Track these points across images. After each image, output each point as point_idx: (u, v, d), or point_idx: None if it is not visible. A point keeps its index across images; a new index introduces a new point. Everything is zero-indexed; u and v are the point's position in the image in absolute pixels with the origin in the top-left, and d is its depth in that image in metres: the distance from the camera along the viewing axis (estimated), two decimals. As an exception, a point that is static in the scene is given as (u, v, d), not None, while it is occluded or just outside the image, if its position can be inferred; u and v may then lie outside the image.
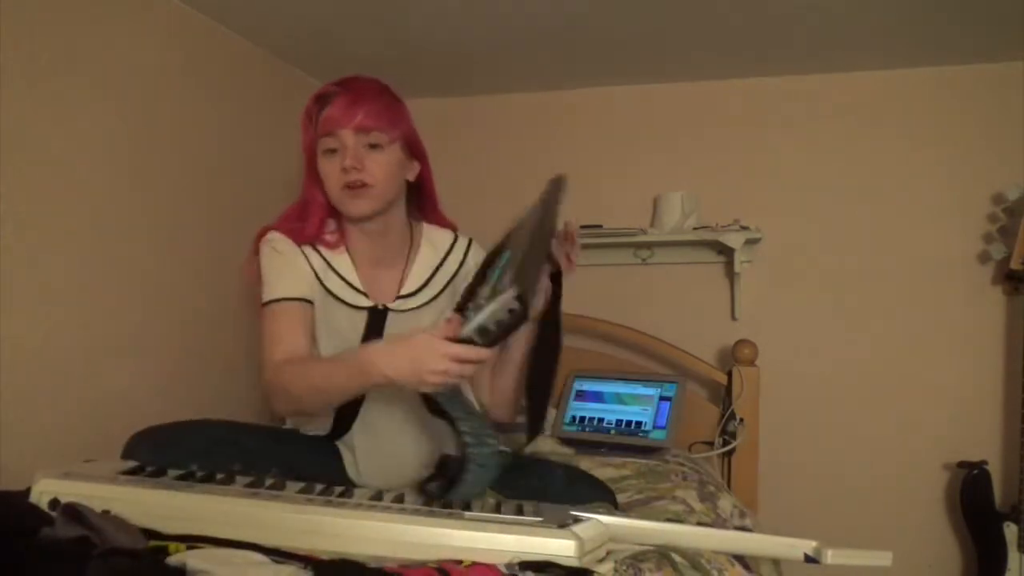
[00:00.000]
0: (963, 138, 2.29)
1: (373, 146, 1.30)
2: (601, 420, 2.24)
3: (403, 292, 1.42)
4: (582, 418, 2.26)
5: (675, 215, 2.37)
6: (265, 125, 2.25)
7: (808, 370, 2.39)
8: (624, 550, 1.04)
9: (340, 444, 1.46)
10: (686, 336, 2.41)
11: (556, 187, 1.29)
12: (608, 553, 1.01)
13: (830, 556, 1.02)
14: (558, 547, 0.91)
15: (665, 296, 2.51)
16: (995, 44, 2.14)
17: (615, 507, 1.30)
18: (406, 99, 1.48)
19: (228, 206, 2.09)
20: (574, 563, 0.90)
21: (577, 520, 0.99)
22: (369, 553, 0.91)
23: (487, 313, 1.04)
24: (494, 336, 1.05)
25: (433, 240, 1.48)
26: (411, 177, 1.42)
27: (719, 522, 1.63)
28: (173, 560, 0.82)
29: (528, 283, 1.05)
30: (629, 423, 2.20)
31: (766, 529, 1.18)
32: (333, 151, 1.31)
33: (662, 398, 2.22)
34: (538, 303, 1.28)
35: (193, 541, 0.88)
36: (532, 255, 1.13)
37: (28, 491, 1.01)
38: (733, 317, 2.44)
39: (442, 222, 1.52)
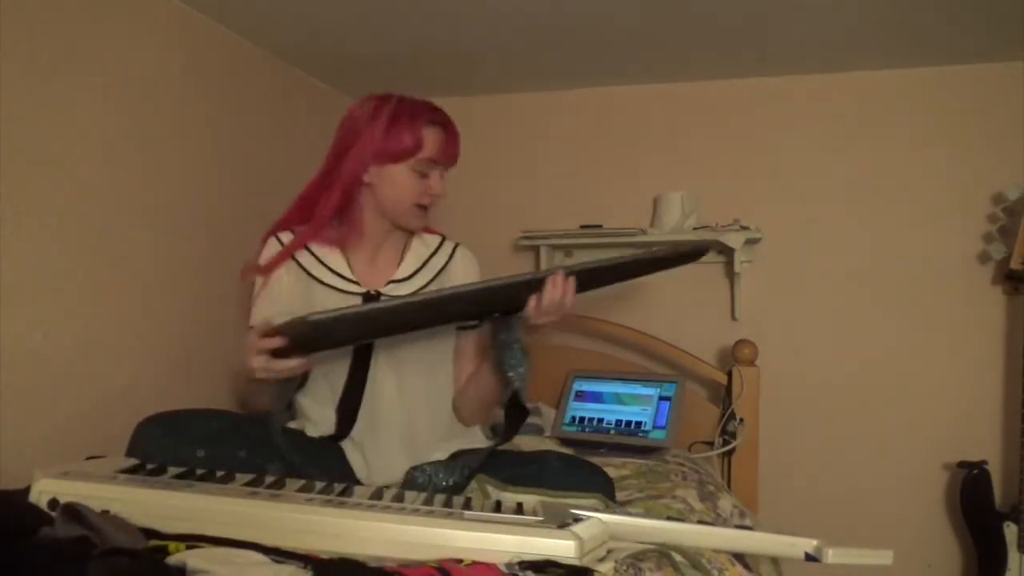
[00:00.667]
0: (963, 138, 2.29)
1: (442, 176, 1.48)
2: (601, 420, 2.24)
3: (395, 277, 1.49)
4: (582, 418, 2.26)
5: (675, 215, 2.37)
6: (265, 125, 2.25)
7: (808, 370, 2.39)
8: (624, 549, 1.04)
9: (347, 445, 1.46)
10: (686, 336, 2.41)
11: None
12: (608, 552, 1.01)
13: (831, 555, 1.02)
14: (558, 547, 0.91)
15: (665, 296, 2.51)
16: (995, 44, 2.14)
17: (611, 495, 1.31)
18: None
19: (228, 206, 2.09)
20: (574, 563, 0.90)
21: (577, 519, 0.99)
22: (369, 553, 0.91)
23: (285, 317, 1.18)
24: (292, 338, 1.17)
25: (424, 240, 1.58)
26: None
27: (719, 522, 1.63)
28: (173, 560, 0.82)
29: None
30: (629, 423, 2.20)
31: (766, 529, 1.18)
32: (424, 175, 1.43)
33: (662, 398, 2.22)
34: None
35: (193, 541, 0.88)
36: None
37: (28, 491, 1.01)
38: (733, 317, 2.44)
39: (432, 229, 1.61)
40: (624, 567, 0.98)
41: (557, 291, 1.27)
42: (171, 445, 1.21)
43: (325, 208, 1.45)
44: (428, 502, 1.07)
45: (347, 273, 1.48)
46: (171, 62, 1.87)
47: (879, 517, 2.32)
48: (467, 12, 1.95)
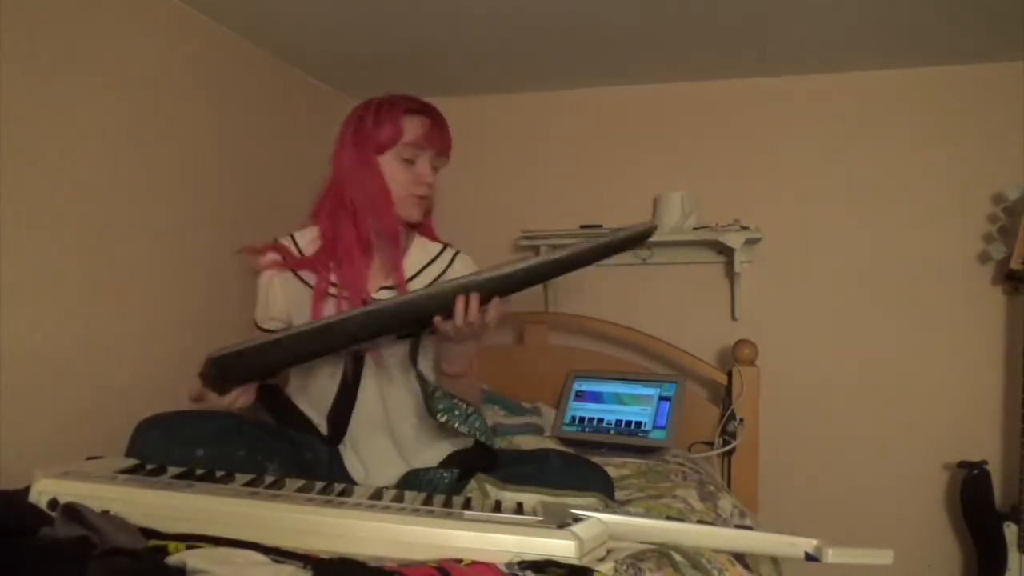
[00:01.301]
0: (963, 138, 2.29)
1: (435, 168, 1.48)
2: (601, 420, 2.24)
3: (387, 284, 1.47)
4: (582, 418, 2.26)
5: (675, 215, 2.37)
6: (265, 125, 2.25)
7: (808, 370, 2.39)
8: (624, 549, 1.04)
9: (344, 448, 1.47)
10: (686, 336, 2.41)
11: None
12: (608, 552, 1.01)
13: (831, 555, 1.02)
14: (558, 547, 0.91)
15: (665, 296, 2.51)
16: (995, 44, 2.14)
17: (611, 494, 1.30)
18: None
19: (228, 205, 2.09)
20: (574, 563, 0.90)
21: (577, 519, 0.99)
22: (369, 553, 0.91)
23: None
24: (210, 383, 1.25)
25: (424, 246, 1.56)
26: None
27: (719, 522, 1.63)
28: (173, 560, 0.82)
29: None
30: (629, 423, 2.20)
31: (766, 529, 1.18)
32: (411, 162, 1.44)
33: (662, 398, 2.21)
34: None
35: (193, 541, 0.88)
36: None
37: (28, 491, 1.01)
38: (733, 317, 2.44)
39: (434, 235, 1.60)
40: (624, 567, 0.98)
41: (460, 318, 1.23)
42: (170, 445, 1.21)
43: (318, 219, 1.47)
44: (428, 502, 1.07)
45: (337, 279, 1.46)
46: (171, 62, 1.87)
47: (879, 517, 2.32)
48: (467, 12, 1.95)
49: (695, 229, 2.34)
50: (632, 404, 2.23)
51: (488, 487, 1.24)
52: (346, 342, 1.28)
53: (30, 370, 1.50)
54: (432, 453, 1.45)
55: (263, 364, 1.27)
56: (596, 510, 1.09)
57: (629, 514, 1.18)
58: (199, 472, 1.13)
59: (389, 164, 1.43)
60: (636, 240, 1.28)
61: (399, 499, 1.06)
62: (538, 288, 2.58)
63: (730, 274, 2.41)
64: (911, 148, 2.34)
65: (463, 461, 1.38)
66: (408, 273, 1.50)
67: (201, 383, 1.26)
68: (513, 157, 2.65)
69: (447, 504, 1.07)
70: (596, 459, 1.71)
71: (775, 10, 1.92)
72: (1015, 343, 2.22)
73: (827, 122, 2.40)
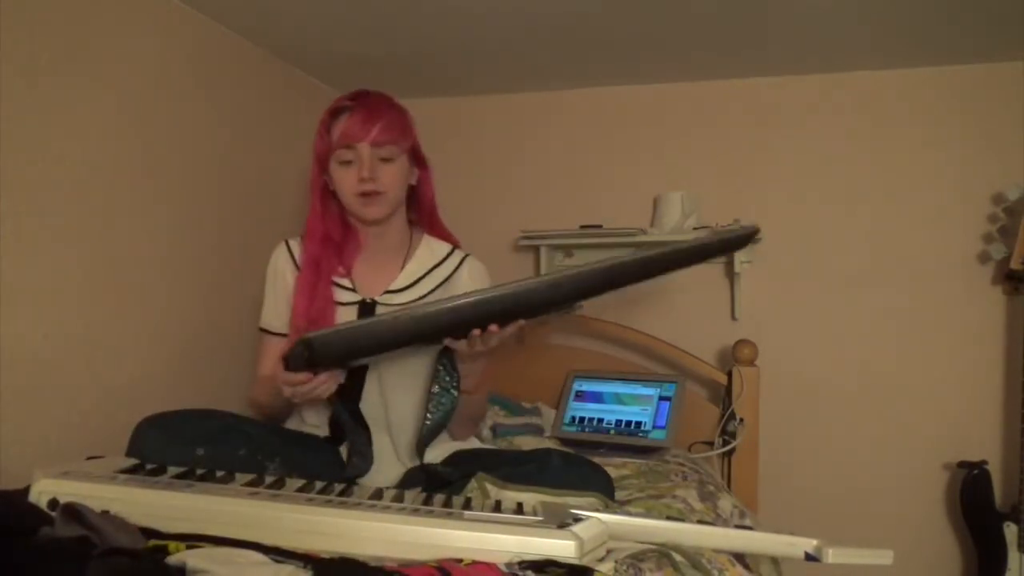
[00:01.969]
0: (963, 138, 2.29)
1: (385, 159, 1.41)
2: (601, 420, 2.24)
3: (391, 287, 1.47)
4: (581, 419, 2.26)
5: (675, 215, 2.37)
6: (265, 125, 2.25)
7: (808, 370, 2.39)
8: (624, 549, 1.04)
9: (344, 449, 1.46)
10: (686, 336, 2.41)
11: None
12: (608, 552, 1.01)
13: (831, 555, 1.02)
14: (558, 547, 0.91)
15: (665, 296, 2.51)
16: (995, 44, 2.14)
17: (611, 493, 1.30)
18: (406, 99, 1.51)
19: (228, 205, 2.09)
20: (574, 562, 0.90)
21: (577, 519, 0.99)
22: (369, 553, 0.91)
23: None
24: (294, 365, 1.21)
25: (432, 247, 1.54)
26: (413, 182, 1.51)
27: (719, 522, 1.63)
28: (173, 560, 0.82)
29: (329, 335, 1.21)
30: (629, 423, 2.20)
31: (766, 529, 1.18)
32: (349, 162, 1.40)
33: (662, 398, 2.21)
34: None
35: (193, 541, 0.88)
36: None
37: (28, 491, 1.01)
38: (733, 317, 2.44)
39: (444, 234, 1.58)
40: (624, 567, 0.98)
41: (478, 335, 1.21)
42: (170, 445, 1.21)
43: (310, 220, 1.49)
44: (428, 502, 1.06)
45: (345, 280, 1.47)
46: (171, 62, 1.87)
47: (879, 517, 2.32)
48: (467, 12, 1.95)
49: (695, 229, 2.34)
50: (632, 404, 2.24)
51: (488, 486, 1.24)
52: (439, 335, 1.22)
53: (30, 370, 1.50)
54: (433, 453, 1.45)
55: (356, 349, 1.22)
56: (596, 510, 1.09)
57: (629, 514, 1.18)
58: (199, 472, 1.13)
59: (334, 173, 1.42)
60: (739, 243, 1.23)
61: (399, 499, 1.06)
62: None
63: (730, 274, 2.41)
64: (911, 148, 2.34)
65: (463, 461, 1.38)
66: (414, 276, 1.49)
67: (284, 366, 1.22)
68: (513, 157, 2.64)
69: (447, 504, 1.07)
70: (596, 459, 1.71)
71: (775, 10, 1.92)
72: (1015, 343, 2.22)
73: (827, 122, 2.40)
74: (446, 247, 1.54)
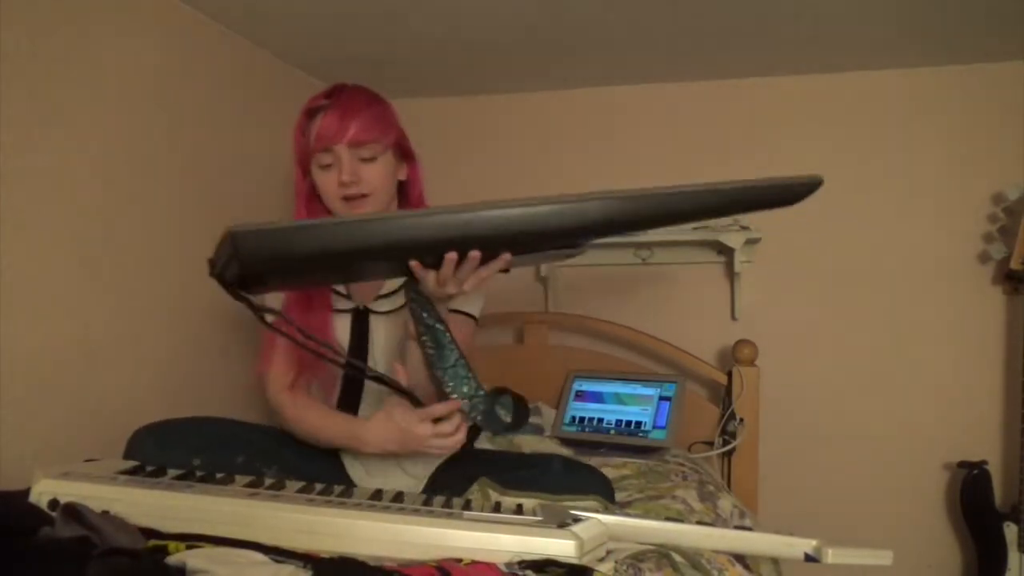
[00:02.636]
0: (963, 138, 2.29)
1: (366, 159, 1.32)
2: (601, 420, 2.24)
3: (382, 292, 1.43)
4: (581, 418, 2.26)
5: (675, 215, 2.36)
6: (265, 125, 2.25)
7: (808, 370, 2.39)
8: (624, 549, 1.04)
9: (344, 455, 1.46)
10: (686, 336, 2.41)
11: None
12: (608, 552, 1.01)
13: (830, 555, 1.02)
14: (558, 547, 0.91)
15: (665, 296, 2.51)
16: (995, 44, 2.14)
17: (611, 497, 1.30)
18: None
19: (228, 206, 2.09)
20: (574, 562, 0.90)
21: (577, 520, 0.99)
22: (369, 553, 0.91)
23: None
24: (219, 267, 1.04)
25: None
26: (402, 177, 1.44)
27: (719, 522, 1.63)
28: (173, 560, 0.82)
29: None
30: (629, 423, 2.20)
31: (766, 529, 1.17)
32: (329, 165, 1.33)
33: (662, 398, 2.21)
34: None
35: (193, 541, 0.88)
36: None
37: (28, 491, 1.01)
38: (733, 317, 2.44)
39: None
40: (624, 567, 0.98)
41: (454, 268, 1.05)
42: (167, 455, 1.19)
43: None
44: (428, 502, 1.07)
45: (340, 287, 1.44)
46: (171, 62, 1.87)
47: (879, 517, 2.32)
48: (467, 12, 1.95)
49: (695, 229, 2.33)
50: (632, 404, 2.23)
51: (489, 491, 1.24)
52: (401, 251, 1.02)
53: (30, 370, 1.50)
54: (431, 459, 1.44)
55: (289, 256, 1.02)
56: (596, 512, 1.09)
57: (629, 515, 1.18)
58: (199, 473, 1.13)
59: (316, 177, 1.34)
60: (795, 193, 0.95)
61: (399, 499, 1.06)
62: (538, 288, 2.58)
63: (730, 274, 2.41)
64: (911, 148, 2.34)
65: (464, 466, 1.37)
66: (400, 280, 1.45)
67: (209, 269, 1.05)
68: (513, 157, 2.64)
69: (447, 504, 1.07)
70: (596, 459, 1.72)
71: (775, 10, 1.92)
72: (1015, 343, 2.22)
73: (827, 122, 2.40)
74: None
